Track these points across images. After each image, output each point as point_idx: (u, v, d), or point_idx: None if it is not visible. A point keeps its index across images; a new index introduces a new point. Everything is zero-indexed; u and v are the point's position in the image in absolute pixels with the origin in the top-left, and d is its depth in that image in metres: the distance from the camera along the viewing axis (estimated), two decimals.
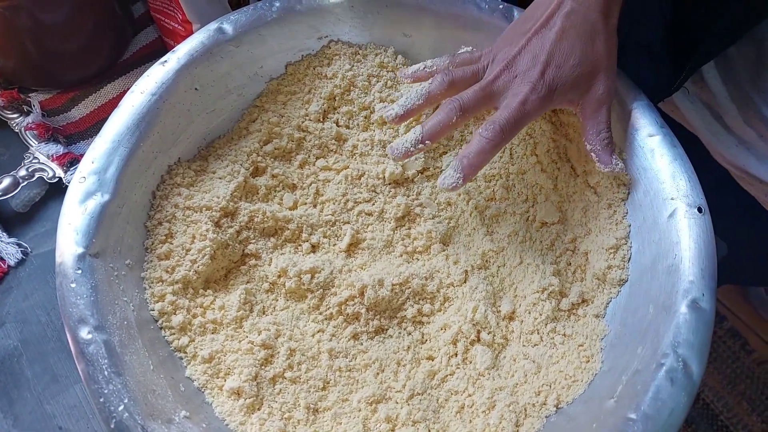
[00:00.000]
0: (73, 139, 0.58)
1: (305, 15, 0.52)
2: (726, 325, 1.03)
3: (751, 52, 0.46)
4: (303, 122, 0.53)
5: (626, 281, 0.45)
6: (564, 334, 0.44)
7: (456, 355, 0.45)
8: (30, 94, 0.60)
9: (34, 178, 0.53)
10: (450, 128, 0.43)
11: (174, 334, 0.42)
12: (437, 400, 0.43)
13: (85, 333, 0.36)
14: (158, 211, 0.45)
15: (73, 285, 0.37)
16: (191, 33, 0.57)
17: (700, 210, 0.42)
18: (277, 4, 0.51)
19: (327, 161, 0.52)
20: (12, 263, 0.51)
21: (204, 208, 0.46)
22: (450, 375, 0.44)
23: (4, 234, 0.52)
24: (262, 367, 0.43)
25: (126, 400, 0.34)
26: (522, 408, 0.42)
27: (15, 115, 0.57)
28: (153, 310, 0.42)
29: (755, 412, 0.95)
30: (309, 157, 0.52)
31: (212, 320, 0.44)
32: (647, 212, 0.45)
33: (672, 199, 0.43)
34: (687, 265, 0.40)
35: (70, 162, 0.54)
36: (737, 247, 0.58)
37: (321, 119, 0.53)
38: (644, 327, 0.41)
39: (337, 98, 0.53)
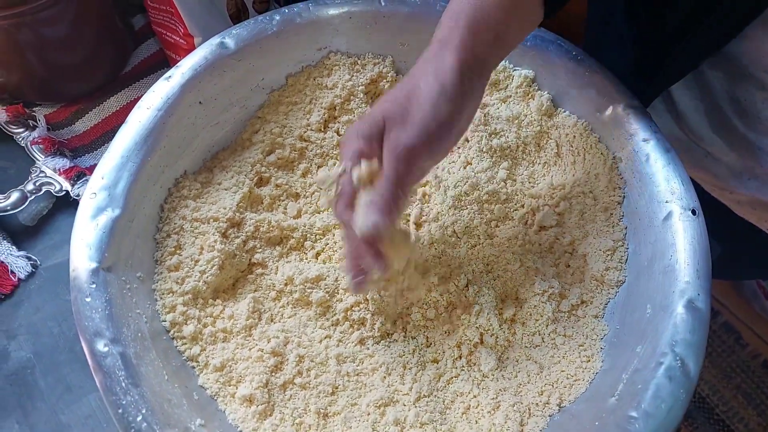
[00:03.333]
0: (78, 152, 0.59)
1: (304, 27, 0.53)
2: (720, 320, 1.04)
3: (722, 65, 0.46)
4: (305, 132, 0.54)
5: (624, 282, 0.47)
6: (565, 335, 0.46)
7: (460, 357, 0.46)
8: (34, 109, 0.60)
9: (41, 192, 0.54)
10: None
11: (186, 343, 0.43)
12: (443, 401, 0.45)
13: (101, 346, 0.37)
14: (166, 223, 0.46)
15: (88, 299, 0.38)
16: (193, 46, 0.58)
17: (694, 212, 0.43)
18: (277, 18, 0.52)
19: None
20: (22, 276, 0.52)
21: (211, 219, 0.47)
22: (455, 377, 0.45)
23: (14, 247, 0.53)
24: (273, 374, 0.44)
25: (144, 411, 0.35)
26: (526, 408, 0.43)
27: (20, 130, 0.58)
28: (165, 321, 0.43)
29: (751, 405, 0.97)
30: (311, 166, 0.54)
31: (222, 329, 0.45)
32: (643, 215, 0.46)
33: (666, 201, 0.44)
34: (683, 266, 0.41)
35: (77, 175, 0.55)
36: (728, 245, 0.59)
37: (322, 129, 0.54)
38: (643, 326, 0.42)
39: (337, 108, 0.54)
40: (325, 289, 0.47)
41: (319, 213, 0.52)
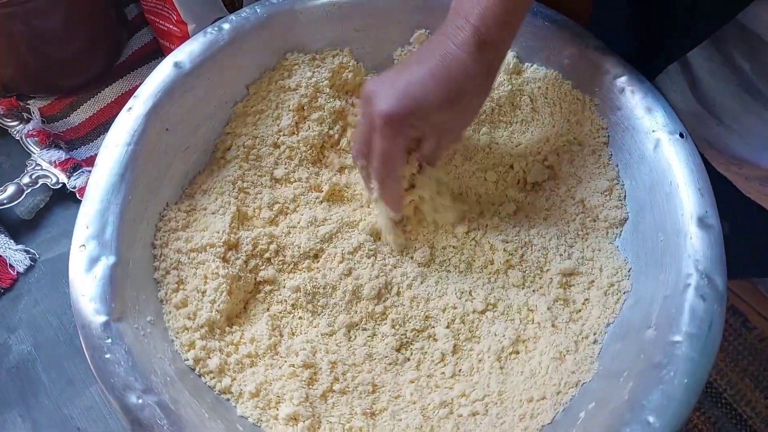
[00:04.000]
0: (74, 144, 0.58)
1: (255, 31, 0.51)
2: (726, 303, 1.02)
3: (738, 33, 0.44)
4: (278, 139, 0.52)
5: (627, 219, 0.48)
6: (588, 282, 0.46)
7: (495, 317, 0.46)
8: (29, 102, 0.60)
9: (37, 185, 0.54)
10: None
11: (214, 377, 0.41)
12: (489, 370, 0.44)
13: (134, 399, 0.35)
14: (162, 260, 0.44)
15: (107, 356, 0.36)
16: (186, 33, 0.57)
17: (681, 135, 0.44)
18: (227, 26, 0.50)
19: (310, 172, 0.52)
20: (21, 270, 0.51)
21: (208, 247, 0.45)
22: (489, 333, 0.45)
23: (11, 241, 0.52)
24: (310, 387, 0.42)
25: None
26: (566, 348, 0.43)
27: (15, 123, 0.57)
28: (187, 360, 0.41)
29: (758, 389, 0.96)
30: (291, 171, 0.52)
31: (247, 354, 0.43)
32: (632, 149, 0.47)
33: (653, 131, 0.45)
34: (684, 189, 0.42)
35: (73, 167, 0.54)
36: (737, 234, 0.52)
37: (295, 131, 0.53)
38: (658, 255, 0.43)
39: (305, 108, 0.53)
40: (339, 290, 0.46)
41: (312, 211, 0.50)
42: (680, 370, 0.36)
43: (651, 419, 0.34)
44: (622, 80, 0.48)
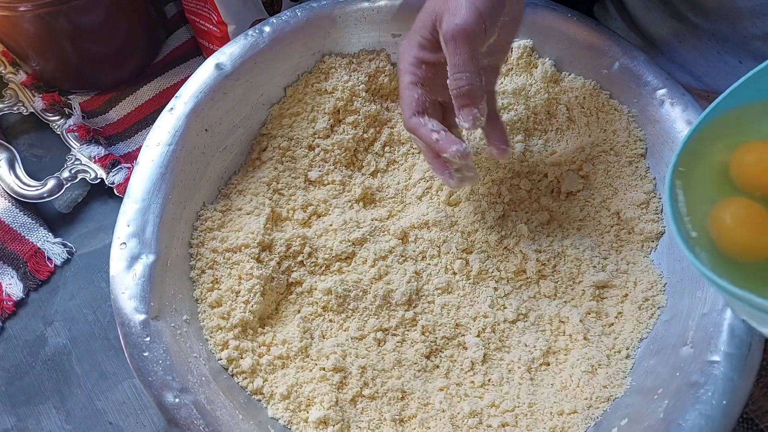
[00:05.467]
0: (112, 140, 0.59)
1: (295, 34, 0.51)
2: None
3: None
4: (313, 141, 0.52)
5: (663, 233, 0.47)
6: (621, 296, 0.46)
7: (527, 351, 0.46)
8: (69, 97, 0.61)
9: (76, 180, 0.54)
10: None
11: (246, 378, 0.42)
12: (511, 368, 0.44)
13: (172, 398, 0.35)
14: (198, 260, 0.45)
15: (146, 354, 0.36)
16: (226, 34, 0.57)
17: None
18: (267, 29, 0.50)
19: (343, 175, 0.52)
20: (58, 263, 0.52)
21: (243, 247, 0.46)
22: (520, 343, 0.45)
23: (50, 234, 0.53)
24: (340, 391, 0.43)
25: None
26: (597, 362, 0.43)
27: (56, 118, 0.58)
28: (221, 360, 0.41)
29: None
30: (328, 175, 0.52)
31: (279, 356, 0.43)
32: (670, 162, 0.46)
33: None
34: None
35: (112, 163, 0.55)
36: None
37: (329, 134, 0.53)
38: (696, 271, 0.42)
39: (341, 111, 0.53)
40: (369, 294, 0.46)
41: (344, 214, 0.50)
42: (719, 391, 0.35)
43: None
44: (662, 92, 0.47)
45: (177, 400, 0.35)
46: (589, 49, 0.51)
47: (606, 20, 0.54)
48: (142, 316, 0.38)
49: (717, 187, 0.33)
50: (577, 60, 0.52)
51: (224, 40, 0.57)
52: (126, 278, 0.39)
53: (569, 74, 0.53)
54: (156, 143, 0.44)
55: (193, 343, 0.40)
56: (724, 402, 0.35)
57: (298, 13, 0.51)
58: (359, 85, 0.53)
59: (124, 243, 0.40)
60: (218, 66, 0.48)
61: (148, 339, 0.37)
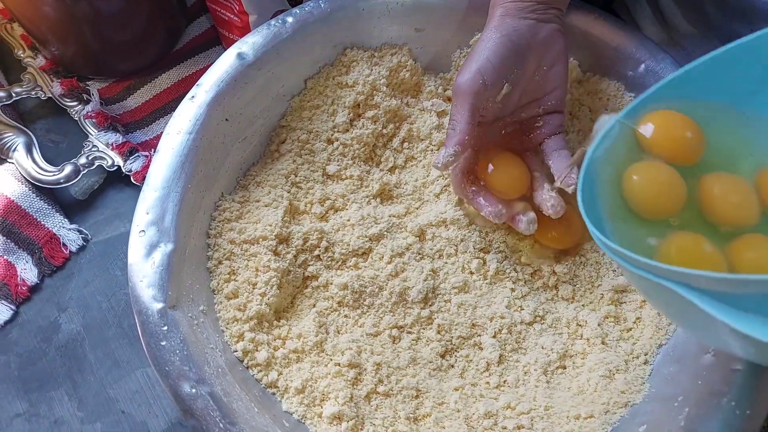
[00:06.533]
0: (129, 128, 0.58)
1: (318, 26, 0.51)
2: None
3: None
4: (332, 135, 0.52)
5: None
6: (640, 300, 0.45)
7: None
8: (88, 83, 0.60)
9: (93, 166, 0.54)
10: None
11: (261, 371, 0.41)
12: (536, 383, 0.44)
13: (188, 388, 0.35)
14: (215, 250, 0.44)
15: (163, 343, 0.36)
16: (247, 24, 0.57)
17: None
18: (290, 20, 0.50)
19: (361, 170, 0.52)
20: (74, 249, 0.52)
21: (260, 239, 0.45)
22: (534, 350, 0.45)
23: (66, 220, 0.53)
24: (354, 387, 0.42)
25: None
26: (615, 367, 0.43)
27: (74, 104, 0.58)
28: (236, 351, 0.41)
29: None
30: (346, 170, 0.52)
31: (294, 350, 0.43)
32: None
33: None
34: None
35: (129, 151, 0.55)
36: None
37: (349, 128, 0.53)
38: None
39: (361, 105, 0.53)
40: (385, 291, 0.46)
41: (362, 209, 0.50)
42: (742, 400, 0.35)
43: None
44: None
45: (193, 390, 0.35)
46: (615, 50, 0.50)
47: (635, 8, 0.53)
48: (159, 305, 0.37)
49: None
50: (602, 61, 0.51)
51: (245, 30, 0.57)
52: (144, 266, 0.39)
53: (594, 75, 0.52)
54: (177, 131, 0.44)
55: (209, 333, 0.40)
56: (748, 412, 0.34)
57: (322, 5, 0.51)
58: (380, 80, 0.53)
59: (143, 231, 0.40)
60: (240, 55, 0.48)
61: (165, 328, 0.37)
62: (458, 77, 0.44)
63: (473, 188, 0.47)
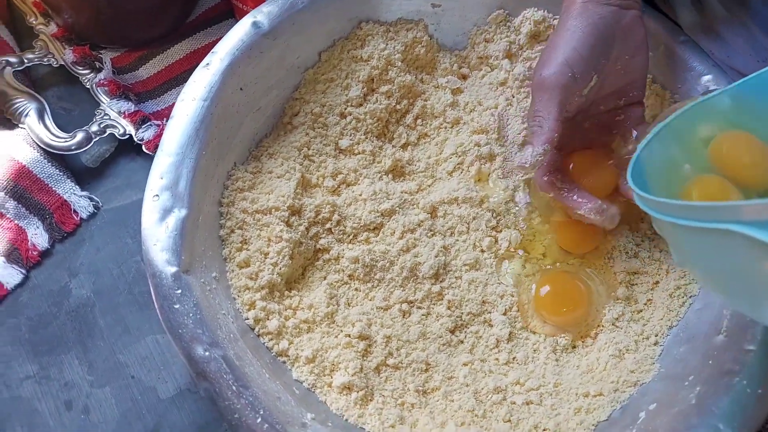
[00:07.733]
0: (141, 97, 0.58)
1: None
2: None
3: None
4: (345, 109, 0.51)
5: None
6: (652, 283, 0.45)
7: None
8: (100, 51, 0.60)
9: (105, 134, 0.54)
10: None
11: (273, 339, 0.41)
12: (536, 352, 0.44)
13: (201, 351, 0.35)
14: (228, 219, 0.44)
15: (177, 306, 0.36)
16: None
17: None
18: None
19: (374, 145, 0.52)
20: (84, 216, 0.52)
21: (273, 209, 0.45)
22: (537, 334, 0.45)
23: (77, 187, 0.52)
24: (364, 359, 0.42)
25: (262, 411, 0.34)
26: (625, 347, 0.43)
27: (86, 72, 0.57)
28: (248, 319, 0.41)
29: None
30: (358, 144, 0.51)
31: (305, 320, 0.43)
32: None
33: None
34: None
35: (141, 120, 0.54)
36: None
37: (362, 103, 0.52)
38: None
39: (375, 80, 0.52)
40: (396, 266, 0.46)
41: (374, 184, 0.50)
42: (754, 379, 0.35)
43: (721, 426, 0.34)
44: (707, 78, 0.46)
45: (207, 353, 0.35)
46: None
47: None
48: (173, 269, 0.37)
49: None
50: None
51: (259, 1, 0.56)
52: (158, 231, 0.39)
53: None
54: (191, 98, 0.44)
55: (221, 300, 0.40)
56: (759, 391, 0.35)
57: None
58: (395, 55, 0.52)
59: (157, 195, 0.40)
60: (255, 24, 0.47)
61: (179, 291, 0.37)
62: (542, 70, 0.42)
63: (566, 186, 0.44)
